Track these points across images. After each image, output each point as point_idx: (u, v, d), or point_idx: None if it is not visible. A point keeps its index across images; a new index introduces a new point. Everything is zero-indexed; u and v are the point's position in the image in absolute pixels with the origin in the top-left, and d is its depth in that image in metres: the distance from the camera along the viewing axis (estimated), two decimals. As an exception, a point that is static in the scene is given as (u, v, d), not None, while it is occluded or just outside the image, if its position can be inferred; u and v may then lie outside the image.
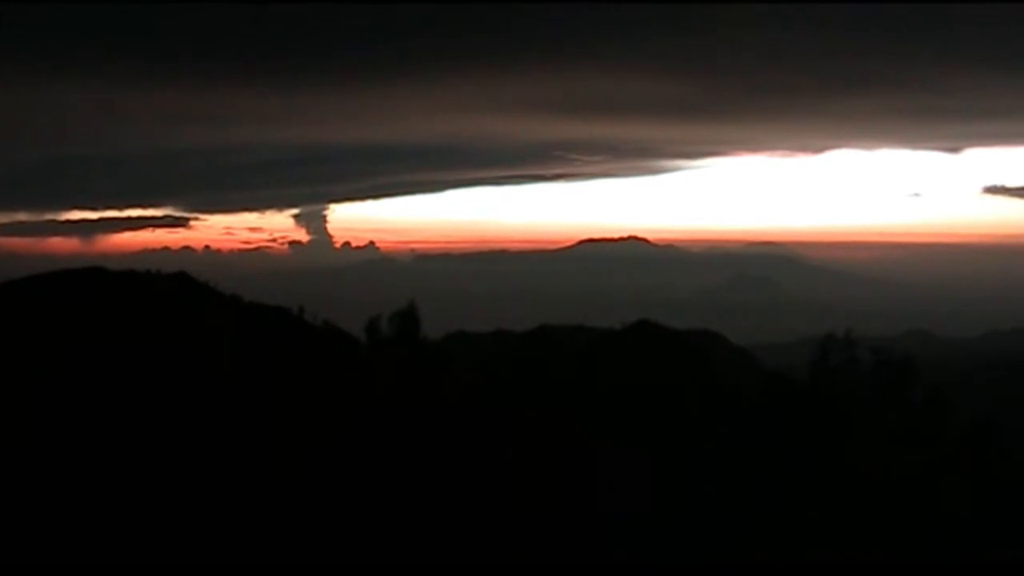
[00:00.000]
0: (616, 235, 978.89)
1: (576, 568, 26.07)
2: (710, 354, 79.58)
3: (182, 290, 44.38)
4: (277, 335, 41.35)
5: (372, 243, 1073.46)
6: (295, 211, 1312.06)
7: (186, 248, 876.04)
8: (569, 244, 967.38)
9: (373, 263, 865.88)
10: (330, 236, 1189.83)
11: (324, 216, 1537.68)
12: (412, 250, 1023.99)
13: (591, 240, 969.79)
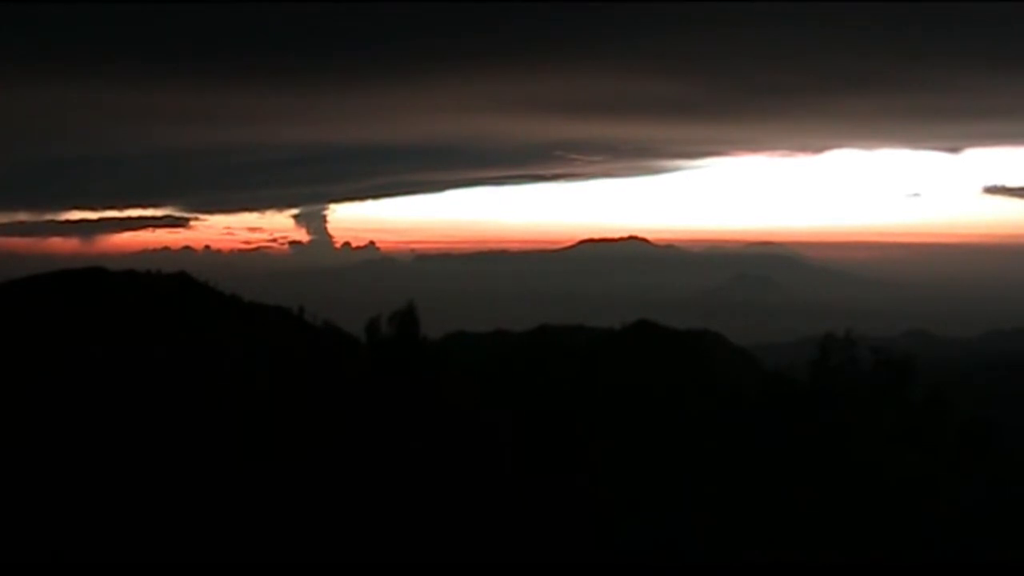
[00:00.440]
0: (616, 235, 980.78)
1: (576, 568, 26.06)
2: (710, 354, 79.51)
3: (182, 290, 44.40)
4: (277, 335, 41.35)
5: (372, 243, 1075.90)
6: (295, 211, 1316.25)
7: (186, 248, 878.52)
8: (569, 244, 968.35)
9: (373, 263, 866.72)
10: (330, 236, 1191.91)
11: (324, 216, 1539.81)
12: (412, 250, 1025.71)
13: (591, 240, 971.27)
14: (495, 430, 36.41)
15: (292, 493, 26.02)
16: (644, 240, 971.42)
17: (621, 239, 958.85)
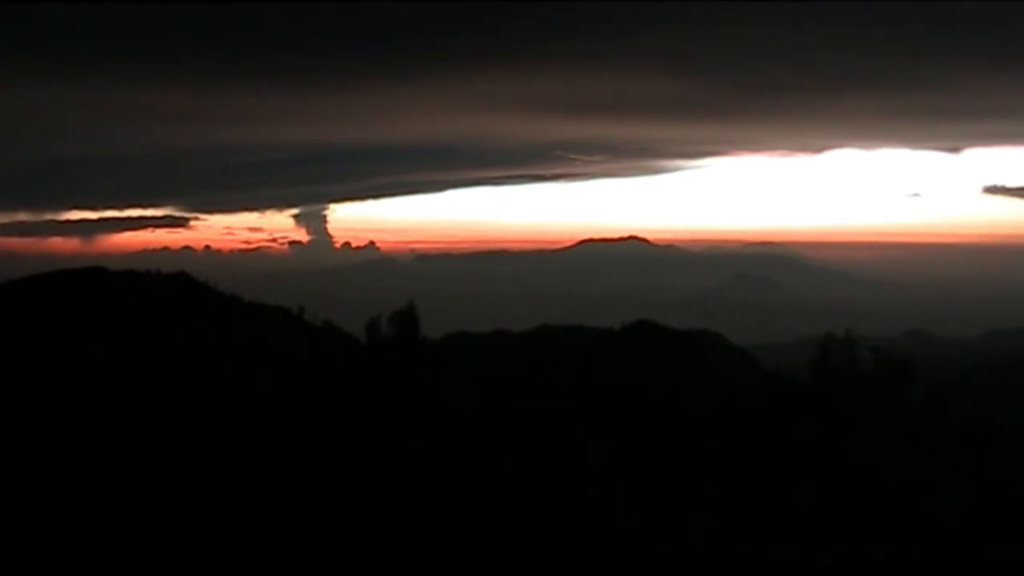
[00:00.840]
0: (616, 235, 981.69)
1: (576, 568, 26.06)
2: (710, 354, 79.63)
3: (182, 290, 44.44)
4: (277, 335, 41.36)
5: (372, 243, 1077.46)
6: (295, 211, 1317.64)
7: (186, 248, 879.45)
8: (569, 244, 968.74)
9: (373, 263, 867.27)
10: (330, 236, 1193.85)
11: (324, 216, 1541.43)
12: (412, 250, 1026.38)
13: (591, 240, 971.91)
14: (495, 430, 36.39)
15: (292, 493, 26.02)
16: (644, 240, 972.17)
17: (621, 239, 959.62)
